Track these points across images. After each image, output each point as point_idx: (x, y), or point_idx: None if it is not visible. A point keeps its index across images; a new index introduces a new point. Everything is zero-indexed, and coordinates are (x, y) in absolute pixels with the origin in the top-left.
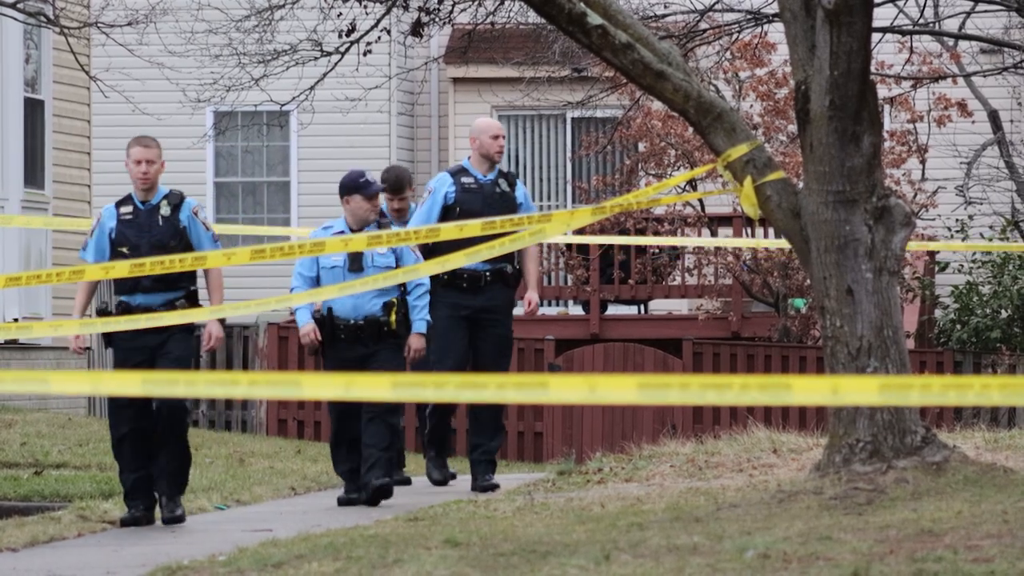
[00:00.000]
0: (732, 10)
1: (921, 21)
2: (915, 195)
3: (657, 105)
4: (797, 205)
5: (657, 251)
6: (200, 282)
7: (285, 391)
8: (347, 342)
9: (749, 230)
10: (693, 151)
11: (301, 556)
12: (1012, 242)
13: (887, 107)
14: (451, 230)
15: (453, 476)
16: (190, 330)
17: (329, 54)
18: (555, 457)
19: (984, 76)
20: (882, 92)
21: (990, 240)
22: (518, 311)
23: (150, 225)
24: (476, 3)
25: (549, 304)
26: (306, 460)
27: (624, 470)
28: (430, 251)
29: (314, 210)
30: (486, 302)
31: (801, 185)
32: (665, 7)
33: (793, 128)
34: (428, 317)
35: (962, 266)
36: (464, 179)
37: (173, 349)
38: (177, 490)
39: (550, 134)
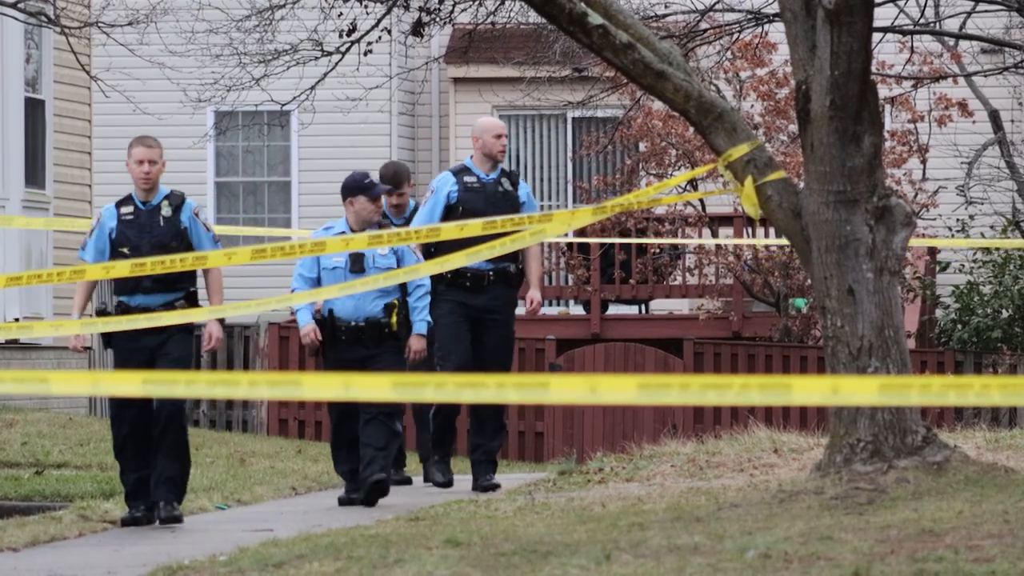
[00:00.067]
0: (733, 10)
1: (922, 21)
2: (916, 195)
3: (658, 105)
4: (798, 205)
5: (658, 251)
6: (200, 283)
7: (285, 391)
8: (348, 343)
9: (750, 230)
10: (694, 151)
11: (302, 556)
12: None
13: (888, 107)
14: (452, 230)
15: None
16: (189, 331)
17: (330, 54)
18: (556, 457)
19: (985, 76)
20: (883, 92)
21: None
22: (520, 310)
23: (151, 226)
24: (477, 3)
25: (550, 304)
26: (307, 460)
27: (625, 470)
28: (434, 251)
29: (315, 210)
30: (489, 302)
31: (802, 185)
32: (666, 7)
33: (794, 128)
34: (429, 318)
35: (963, 266)
36: (467, 178)
37: (173, 350)
38: (175, 496)
39: (551, 134)
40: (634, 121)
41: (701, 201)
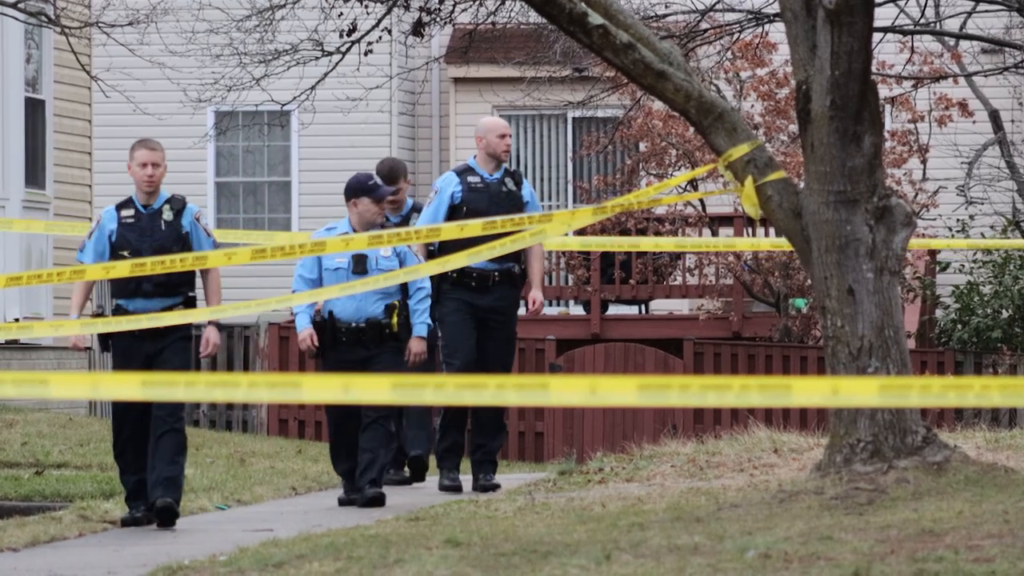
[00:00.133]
0: (733, 10)
1: (922, 21)
2: (916, 195)
3: (658, 105)
4: (798, 205)
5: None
6: (199, 287)
7: (285, 393)
8: (348, 345)
9: (750, 230)
10: (694, 151)
11: (302, 556)
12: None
13: (888, 107)
14: (452, 230)
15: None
16: (188, 338)
17: (330, 54)
18: (556, 457)
19: (985, 76)
20: (883, 92)
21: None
22: (521, 311)
23: (152, 229)
24: (477, 3)
25: (550, 304)
26: (307, 460)
27: (625, 470)
28: (436, 252)
29: (315, 210)
30: (494, 302)
31: (802, 185)
32: (666, 7)
33: (794, 128)
34: (429, 321)
35: (963, 266)
36: (470, 178)
37: (171, 358)
38: (172, 494)
39: (551, 134)
40: (634, 121)
41: (701, 201)
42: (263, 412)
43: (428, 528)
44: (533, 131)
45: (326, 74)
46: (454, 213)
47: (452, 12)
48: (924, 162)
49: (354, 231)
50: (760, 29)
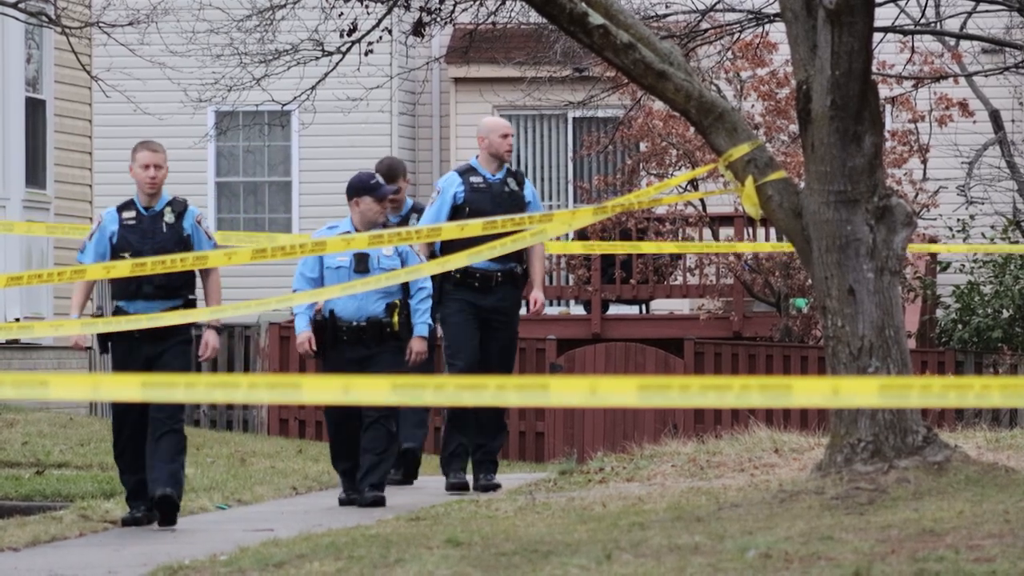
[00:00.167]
0: (733, 10)
1: (922, 21)
2: (916, 195)
3: (658, 105)
4: (798, 205)
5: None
6: (199, 292)
7: (285, 395)
8: (349, 343)
9: (750, 230)
10: (694, 151)
11: (303, 556)
12: (1013, 241)
13: (888, 107)
14: (453, 230)
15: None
16: (188, 341)
17: (330, 54)
18: (557, 457)
19: (985, 76)
20: (883, 92)
21: (991, 240)
22: (523, 310)
23: (154, 231)
24: (477, 3)
25: (551, 304)
26: (307, 460)
27: (626, 470)
28: (441, 252)
29: (315, 210)
30: (497, 303)
31: (803, 185)
32: (666, 7)
33: (795, 128)
34: (430, 321)
35: (963, 266)
36: (473, 178)
37: (171, 361)
38: (174, 488)
39: (551, 134)
40: (635, 121)
41: (702, 201)
42: (264, 412)
43: (429, 528)
44: (533, 131)
45: (326, 74)
46: (457, 213)
47: (452, 12)
48: (924, 162)
49: (356, 230)
50: (760, 29)
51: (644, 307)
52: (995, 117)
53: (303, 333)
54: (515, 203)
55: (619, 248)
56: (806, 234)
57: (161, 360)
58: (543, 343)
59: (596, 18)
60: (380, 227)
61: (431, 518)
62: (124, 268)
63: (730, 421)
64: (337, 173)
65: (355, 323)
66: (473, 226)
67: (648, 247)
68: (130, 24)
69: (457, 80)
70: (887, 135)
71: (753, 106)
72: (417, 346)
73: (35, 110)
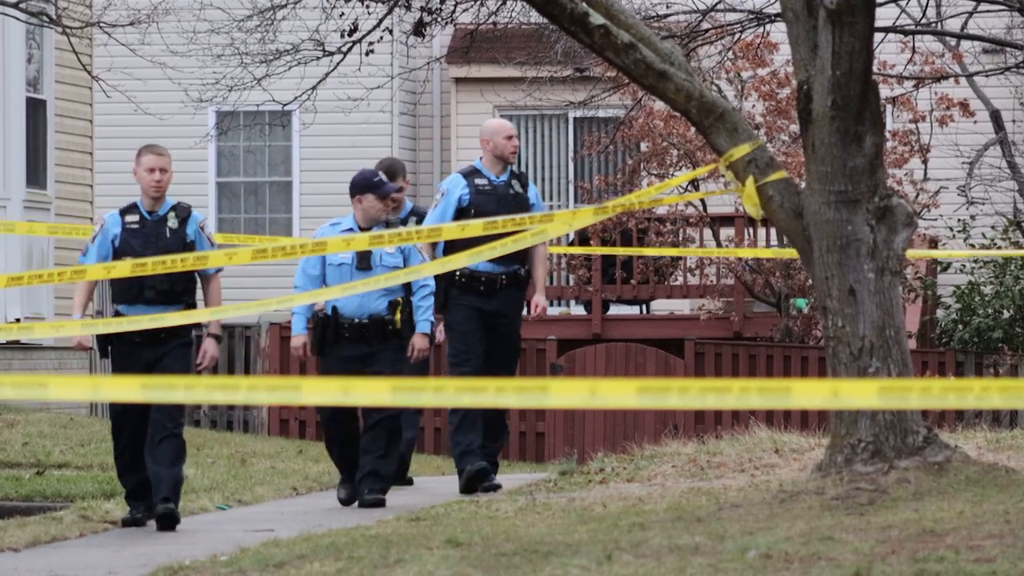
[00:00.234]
0: (734, 10)
1: (923, 21)
2: (917, 195)
3: (659, 105)
4: (799, 205)
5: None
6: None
7: (285, 396)
8: (351, 340)
9: (751, 230)
10: (695, 151)
11: (303, 556)
12: (1013, 241)
13: (889, 107)
14: (453, 230)
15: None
16: (189, 344)
17: (331, 54)
18: (557, 457)
19: (986, 76)
20: (884, 92)
21: (992, 240)
22: (524, 313)
23: (157, 236)
24: (478, 3)
25: (551, 304)
26: (308, 460)
27: (626, 470)
28: (446, 254)
29: (316, 210)
30: (501, 306)
31: (803, 185)
32: (667, 7)
33: (795, 128)
34: (432, 318)
35: (964, 266)
36: (478, 180)
37: (171, 364)
38: (173, 497)
39: (552, 134)
40: (635, 121)
41: (702, 201)
42: (264, 412)
43: (429, 528)
44: (534, 131)
45: (327, 74)
46: (462, 216)
47: (453, 12)
48: (925, 162)
49: (359, 227)
50: (761, 29)
51: (645, 307)
52: (996, 117)
53: (299, 337)
54: (519, 205)
55: (620, 252)
56: (807, 234)
57: (161, 363)
58: (543, 343)
59: (597, 18)
60: (383, 224)
61: (431, 518)
62: (125, 268)
63: (731, 421)
64: (338, 173)
65: (357, 320)
66: (474, 226)
67: (649, 251)
68: (131, 24)
69: (458, 80)
70: (888, 135)
71: (754, 106)
72: (419, 343)
73: (36, 110)
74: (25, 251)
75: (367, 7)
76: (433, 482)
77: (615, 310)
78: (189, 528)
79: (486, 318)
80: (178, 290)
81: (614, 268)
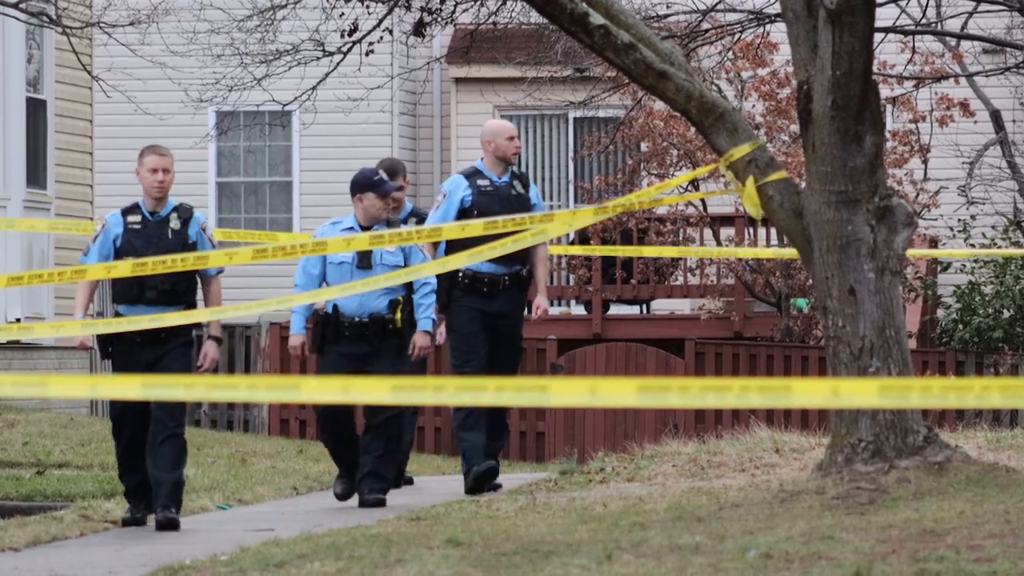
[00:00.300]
0: (734, 10)
1: (923, 21)
2: (917, 195)
3: (659, 105)
4: (799, 205)
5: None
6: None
7: (284, 395)
8: (351, 339)
9: (751, 230)
10: (695, 151)
11: (303, 556)
12: (1013, 241)
13: (889, 107)
14: (454, 230)
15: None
16: (190, 344)
17: (331, 54)
18: (557, 457)
19: (986, 76)
20: (884, 92)
21: (992, 240)
22: (526, 314)
23: (159, 236)
24: (478, 3)
25: (552, 304)
26: (308, 460)
27: (626, 470)
28: (448, 252)
29: (316, 210)
30: (504, 307)
31: (803, 185)
32: (667, 7)
33: (795, 128)
34: (434, 316)
35: (964, 266)
36: (480, 181)
37: (172, 364)
38: (174, 502)
39: (552, 134)
40: (635, 121)
41: (703, 201)
42: (264, 412)
43: (429, 528)
44: (534, 131)
45: (327, 74)
46: (464, 217)
47: (453, 12)
48: (925, 162)
49: (360, 225)
50: (761, 29)
51: (645, 307)
52: (996, 117)
53: (296, 336)
54: (521, 206)
55: (620, 252)
56: (807, 234)
57: (162, 363)
58: (544, 343)
59: (597, 18)
60: (383, 224)
61: (431, 518)
62: (125, 268)
63: (731, 421)
64: (338, 173)
65: (357, 319)
66: (474, 226)
67: (649, 252)
68: (131, 24)
69: (458, 80)
70: (888, 135)
71: (754, 106)
72: (421, 341)
73: (36, 110)
74: (25, 251)
75: (367, 7)
76: (433, 482)
77: (615, 310)
78: (189, 528)
79: (488, 319)
80: (179, 290)
81: (614, 268)
